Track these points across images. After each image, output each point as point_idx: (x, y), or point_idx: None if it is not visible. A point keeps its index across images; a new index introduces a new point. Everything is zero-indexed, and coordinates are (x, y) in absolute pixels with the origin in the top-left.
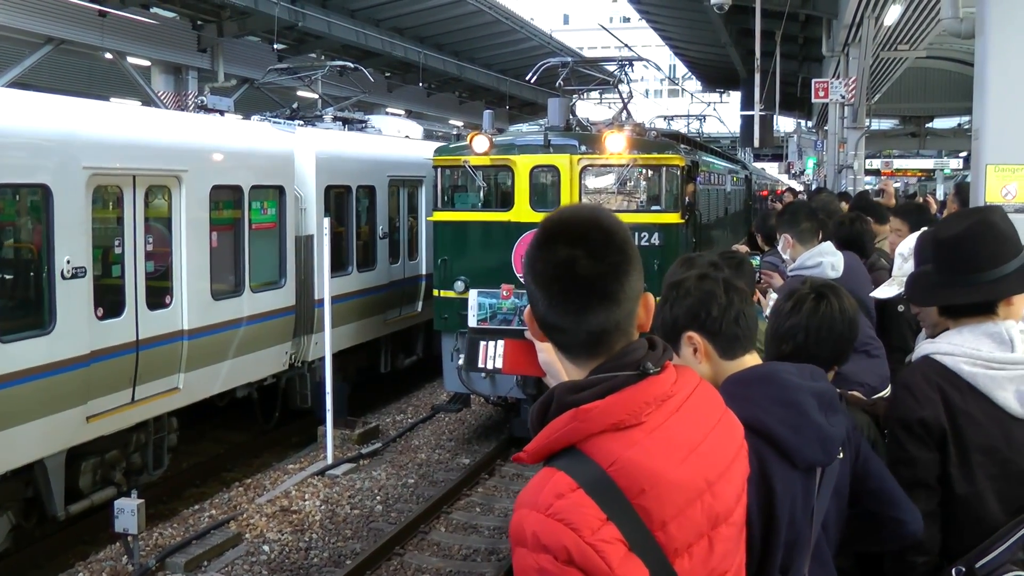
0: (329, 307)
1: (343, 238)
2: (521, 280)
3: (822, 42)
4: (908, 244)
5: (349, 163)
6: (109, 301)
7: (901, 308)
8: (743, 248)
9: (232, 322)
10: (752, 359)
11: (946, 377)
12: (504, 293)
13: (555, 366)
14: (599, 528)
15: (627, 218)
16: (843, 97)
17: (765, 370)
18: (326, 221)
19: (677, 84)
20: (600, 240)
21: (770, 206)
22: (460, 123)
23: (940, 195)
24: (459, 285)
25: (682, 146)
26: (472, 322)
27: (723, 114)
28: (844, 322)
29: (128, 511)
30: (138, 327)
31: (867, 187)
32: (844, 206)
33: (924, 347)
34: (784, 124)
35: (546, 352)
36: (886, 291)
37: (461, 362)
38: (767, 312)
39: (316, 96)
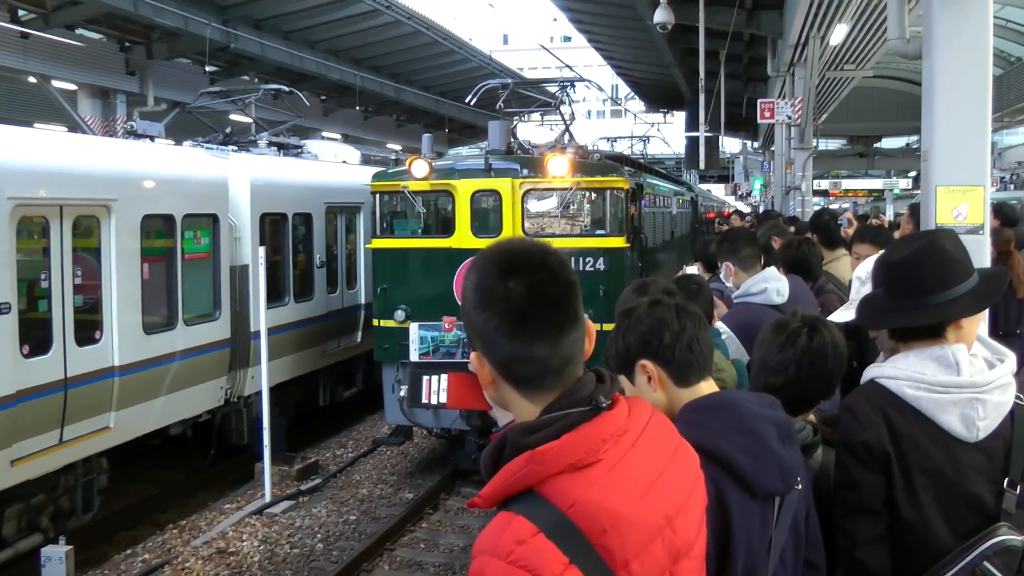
0: (266, 339)
1: (279, 267)
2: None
3: (767, 62)
4: (866, 267)
5: (285, 190)
6: (35, 337)
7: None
8: (695, 269)
9: (165, 357)
10: (708, 386)
11: (890, 401)
12: (446, 326)
13: (504, 401)
14: (562, 572)
15: (571, 243)
16: (789, 117)
17: (723, 398)
18: (261, 250)
19: (620, 105)
20: (556, 262)
21: (717, 228)
22: (398, 147)
23: (890, 215)
24: (399, 314)
25: (626, 168)
26: (414, 356)
27: (668, 135)
28: (836, 357)
29: (56, 559)
30: (66, 364)
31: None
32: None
33: (870, 371)
34: (730, 145)
35: (494, 390)
36: (842, 315)
37: (403, 394)
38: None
39: (250, 120)
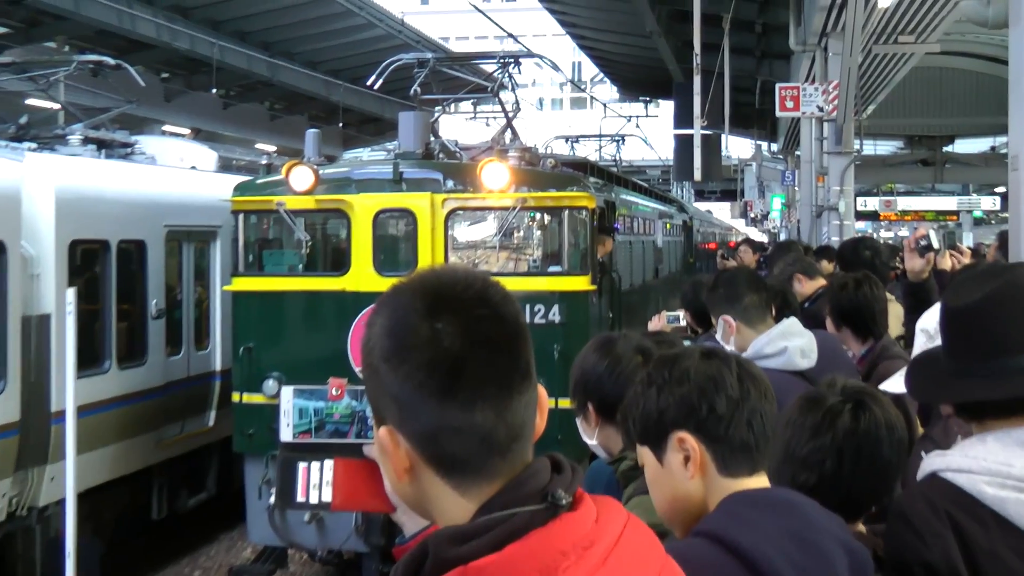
0: (74, 423)
1: (97, 318)
2: (361, 374)
3: (789, 31)
4: (933, 318)
5: (107, 206)
6: None
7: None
8: (679, 324)
9: None
10: (761, 482)
11: (961, 504)
12: (334, 391)
13: (423, 497)
14: None
15: (514, 284)
16: (821, 109)
17: (784, 495)
18: (70, 293)
19: (584, 91)
20: (499, 296)
21: (720, 265)
22: (272, 148)
23: (968, 244)
24: (270, 385)
25: (592, 180)
26: (287, 435)
27: (650, 133)
28: (892, 443)
29: None
30: None
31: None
32: (827, 266)
33: (932, 461)
34: (738, 148)
35: (410, 481)
36: (894, 384)
37: (273, 499)
38: None
39: (57, 106)
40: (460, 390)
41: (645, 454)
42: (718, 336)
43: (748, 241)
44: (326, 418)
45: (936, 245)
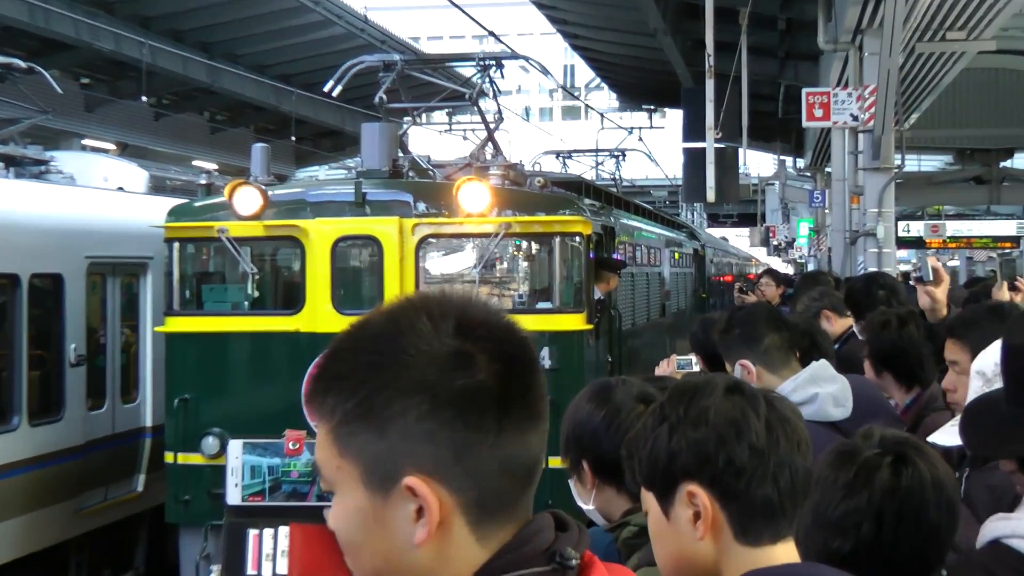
0: None
1: (4, 366)
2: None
3: (818, 28)
4: (991, 358)
5: (16, 235)
6: None
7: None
8: (692, 369)
9: None
10: (786, 552)
11: None
12: (291, 445)
13: (438, 559)
14: None
15: None
16: (855, 118)
17: (814, 574)
18: None
19: (577, 98)
20: (505, 324)
21: (738, 300)
22: (212, 165)
23: None
24: (210, 443)
25: (587, 202)
26: (235, 497)
27: (655, 148)
28: (940, 505)
29: None
30: None
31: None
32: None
33: (994, 526)
34: (758, 164)
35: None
36: (946, 436)
37: (216, 573)
38: None
39: None
40: (509, 416)
41: (649, 501)
42: None
43: (770, 272)
44: (282, 477)
45: (932, 276)
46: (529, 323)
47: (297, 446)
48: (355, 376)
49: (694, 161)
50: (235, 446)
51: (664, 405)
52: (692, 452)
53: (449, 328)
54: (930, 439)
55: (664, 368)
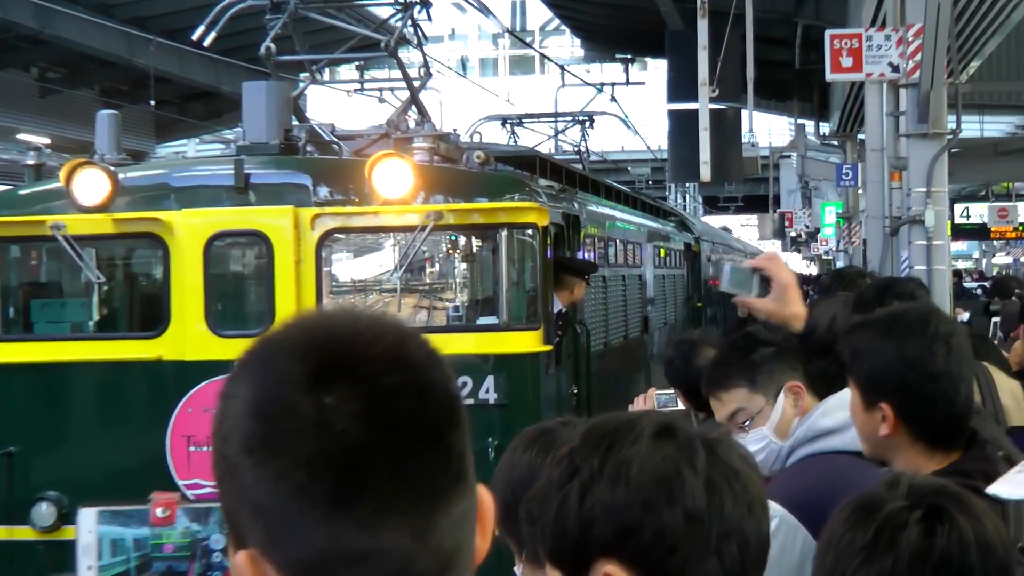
0: None
1: None
2: (187, 490)
3: None
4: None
5: None
6: None
7: None
8: (676, 406)
9: None
10: None
11: None
12: (160, 512)
13: None
14: None
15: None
16: (896, 69)
17: None
18: None
19: (530, 46)
20: (423, 356)
21: (742, 311)
22: (43, 140)
23: None
24: (45, 512)
25: (544, 183)
26: None
27: (632, 111)
28: (989, 573)
29: None
30: None
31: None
32: None
33: None
34: (768, 131)
35: None
36: (1013, 486)
37: None
38: None
39: None
40: (362, 500)
41: None
42: (769, 425)
43: None
44: (153, 552)
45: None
46: (467, 345)
47: (168, 513)
48: (220, 432)
49: (683, 128)
50: (87, 516)
51: (574, 454)
52: (610, 521)
53: (305, 371)
54: (990, 490)
55: (640, 405)
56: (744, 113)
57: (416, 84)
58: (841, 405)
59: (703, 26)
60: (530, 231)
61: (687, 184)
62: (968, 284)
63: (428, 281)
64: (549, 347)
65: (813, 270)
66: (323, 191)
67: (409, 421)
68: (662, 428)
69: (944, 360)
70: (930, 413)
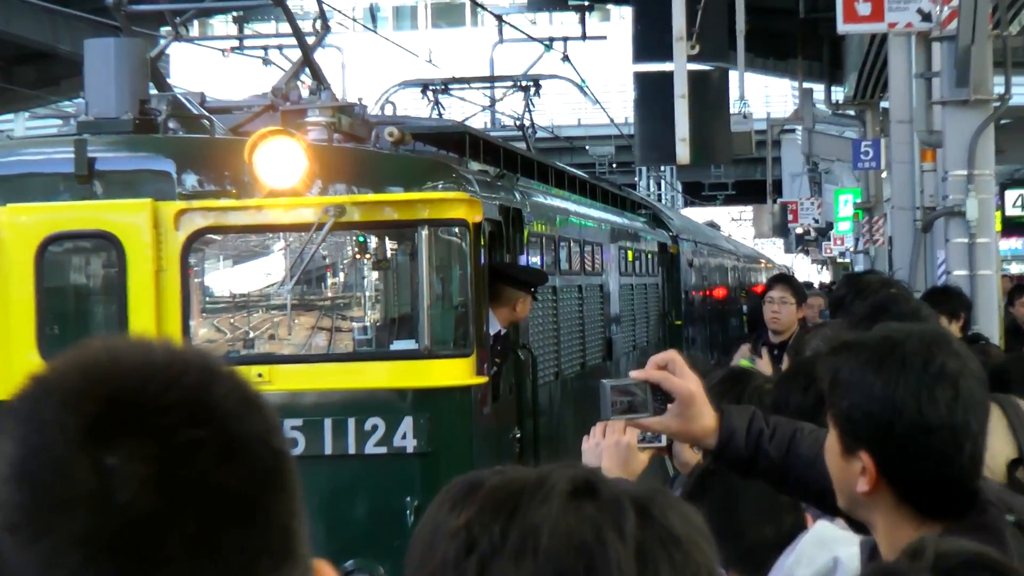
0: None
1: None
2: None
3: None
4: None
5: None
6: None
7: None
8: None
9: None
10: None
11: None
12: None
13: None
14: None
15: (328, 376)
16: (926, 17)
17: None
18: None
19: None
20: (236, 400)
21: (742, 356)
22: None
23: None
24: None
25: (476, 167)
26: None
27: (590, 74)
28: None
29: None
30: None
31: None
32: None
33: None
34: (766, 98)
35: None
36: None
37: None
38: None
39: None
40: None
41: None
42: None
43: (784, 281)
44: None
45: None
46: (377, 377)
47: None
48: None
49: (655, 95)
50: None
51: (471, 523)
52: None
53: (81, 424)
54: None
55: (596, 440)
56: (733, 75)
57: (310, 41)
58: (818, 543)
59: None
60: (458, 229)
61: (661, 168)
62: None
63: (328, 295)
64: (484, 379)
65: (825, 278)
66: (190, 180)
67: (213, 487)
68: (580, 485)
69: (947, 408)
70: (919, 473)
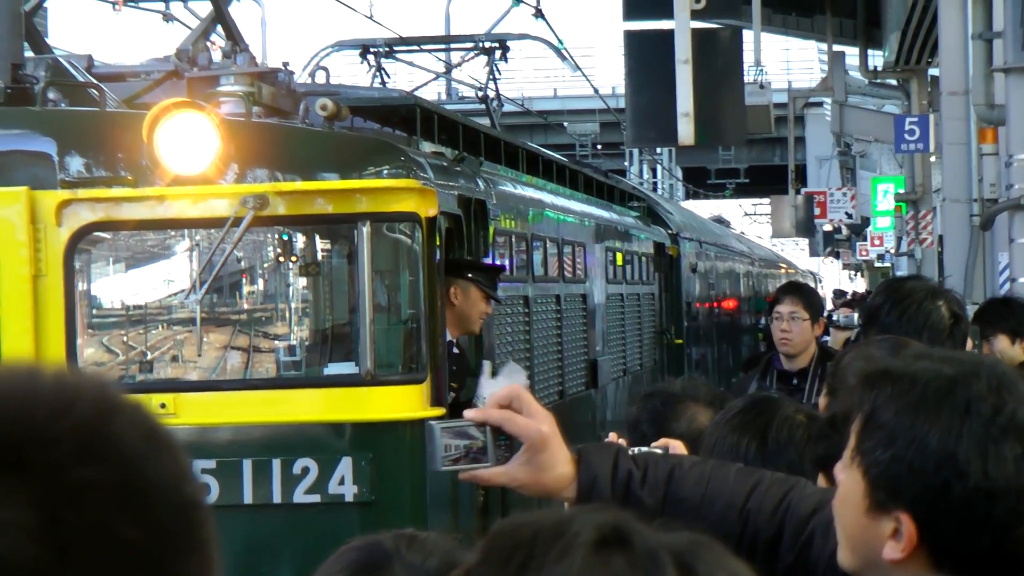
0: None
1: None
2: None
3: None
4: None
5: None
6: None
7: None
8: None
9: None
10: None
11: None
12: None
13: None
14: None
15: (247, 407)
16: None
17: None
18: None
19: None
20: (139, 435)
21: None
22: None
23: None
24: None
25: (429, 149)
26: None
27: (568, 35)
28: None
29: None
30: None
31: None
32: (1008, 346)
33: None
34: (784, 61)
35: None
36: None
37: None
38: None
39: None
40: None
41: None
42: None
43: (796, 290)
44: None
45: None
46: (309, 407)
47: None
48: None
49: (650, 60)
50: None
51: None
52: None
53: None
54: None
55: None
56: (747, 36)
57: None
58: None
59: None
60: (407, 225)
61: (657, 150)
62: None
63: (246, 307)
64: (441, 411)
65: (859, 286)
66: (75, 163)
67: (109, 539)
68: (608, 534)
69: (1015, 468)
70: (971, 544)
